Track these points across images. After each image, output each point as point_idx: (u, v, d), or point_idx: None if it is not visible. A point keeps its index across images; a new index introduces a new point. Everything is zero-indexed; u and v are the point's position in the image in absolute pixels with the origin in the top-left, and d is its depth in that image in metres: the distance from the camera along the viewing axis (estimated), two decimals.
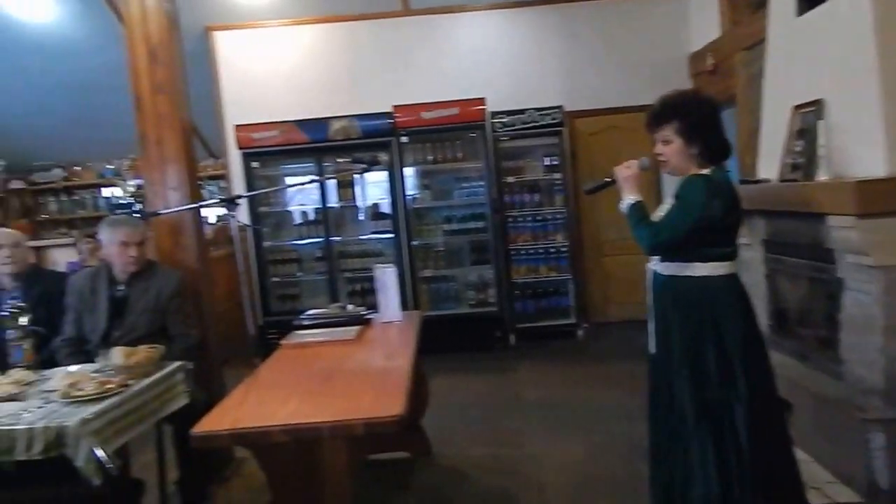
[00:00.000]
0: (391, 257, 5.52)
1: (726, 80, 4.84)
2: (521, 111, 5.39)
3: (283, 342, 2.86)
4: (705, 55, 5.21)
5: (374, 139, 5.37)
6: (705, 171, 2.07)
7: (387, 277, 3.23)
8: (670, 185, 2.34)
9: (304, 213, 5.80)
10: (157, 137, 3.15)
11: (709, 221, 2.00)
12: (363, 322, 3.15)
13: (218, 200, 2.59)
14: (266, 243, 5.66)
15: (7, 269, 3.07)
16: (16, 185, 7.21)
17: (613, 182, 2.21)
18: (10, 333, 2.59)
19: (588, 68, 5.75)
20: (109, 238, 2.87)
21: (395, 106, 5.35)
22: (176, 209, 2.92)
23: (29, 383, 2.38)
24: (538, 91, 5.63)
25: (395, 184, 5.45)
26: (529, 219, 5.55)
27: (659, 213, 2.15)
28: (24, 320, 2.63)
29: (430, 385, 3.48)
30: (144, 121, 3.16)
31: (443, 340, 3.96)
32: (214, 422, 1.92)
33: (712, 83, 5.05)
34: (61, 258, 5.89)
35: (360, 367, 2.54)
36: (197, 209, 2.94)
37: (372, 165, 2.68)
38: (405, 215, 5.45)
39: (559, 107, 5.39)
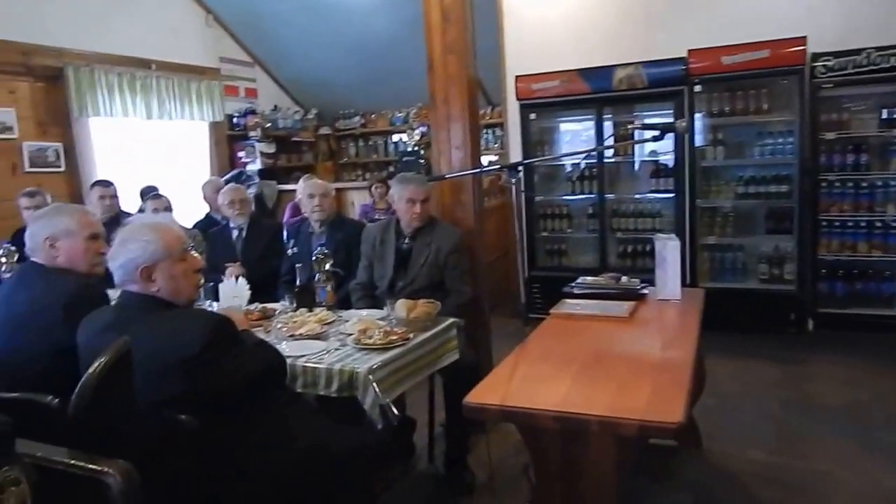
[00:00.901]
0: (669, 219, 5.09)
1: None
2: (856, 51, 4.38)
3: (552, 311, 2.77)
4: None
5: (662, 88, 4.91)
6: None
7: (668, 251, 2.93)
8: None
9: (577, 167, 5.61)
10: (445, 97, 3.22)
11: None
12: (637, 297, 2.91)
13: (499, 167, 2.54)
14: (537, 197, 5.62)
15: (317, 215, 3.47)
16: (324, 131, 8.24)
17: None
18: (317, 276, 2.91)
19: None
20: (399, 194, 3.05)
21: (691, 50, 4.77)
22: (460, 173, 2.97)
23: (329, 322, 2.67)
24: (881, 25, 4.48)
25: (682, 138, 4.92)
26: (851, 185, 4.58)
27: None
28: (328, 265, 2.94)
29: (704, 367, 3.13)
30: (434, 81, 3.24)
31: (722, 317, 3.54)
32: (486, 394, 1.91)
33: None
34: (357, 199, 6.63)
35: (634, 353, 2.34)
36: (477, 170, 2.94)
37: (665, 133, 2.36)
38: (690, 173, 4.93)
39: None
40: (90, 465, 1.26)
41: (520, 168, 2.31)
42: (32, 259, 2.15)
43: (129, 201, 5.04)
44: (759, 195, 4.82)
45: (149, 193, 5.30)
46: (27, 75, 5.25)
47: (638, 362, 2.23)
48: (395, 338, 2.37)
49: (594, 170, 5.39)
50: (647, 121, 5.46)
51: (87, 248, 2.18)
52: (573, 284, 3.13)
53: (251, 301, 3.12)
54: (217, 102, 6.82)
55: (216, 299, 3.19)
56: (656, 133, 2.36)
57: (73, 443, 1.33)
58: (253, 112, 7.32)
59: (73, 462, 1.27)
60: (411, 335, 2.44)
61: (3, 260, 3.60)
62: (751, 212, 4.94)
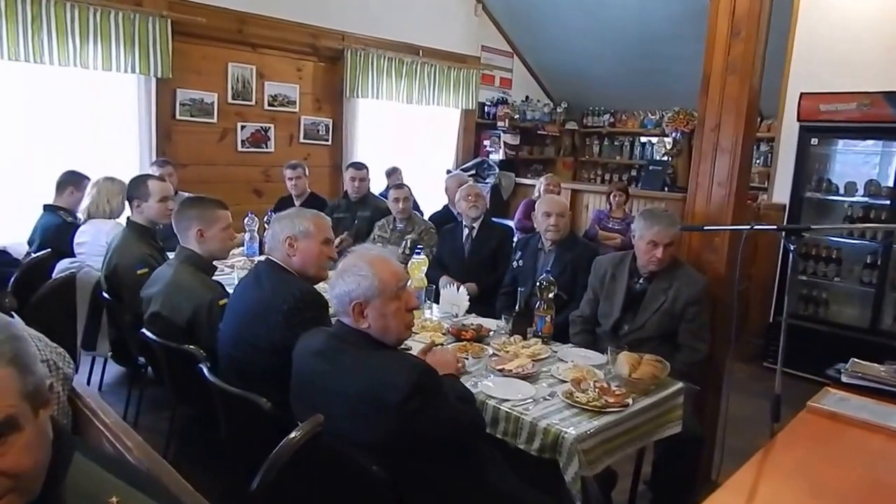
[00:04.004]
0: None
1: None
2: None
3: (809, 403, 2.29)
4: None
5: None
6: None
7: None
8: None
9: (864, 207, 4.70)
10: (716, 123, 2.80)
11: None
12: None
13: (775, 227, 2.12)
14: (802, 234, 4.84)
15: (550, 234, 3.30)
16: (570, 126, 8.00)
17: None
18: (539, 303, 2.75)
19: None
20: (640, 232, 2.73)
21: None
22: (721, 227, 2.57)
23: (542, 359, 2.49)
24: None
25: None
26: None
27: None
28: (551, 293, 2.76)
29: None
30: (706, 103, 2.84)
31: None
32: None
33: None
34: (592, 203, 6.32)
35: None
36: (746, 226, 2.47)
37: None
38: None
39: None
40: None
41: (804, 234, 1.89)
42: (268, 257, 2.30)
43: (375, 180, 5.28)
44: None
45: (393, 174, 5.59)
46: (313, 55, 5.78)
47: None
48: (611, 400, 2.12)
49: (883, 213, 4.49)
50: None
51: (320, 252, 2.29)
52: (841, 368, 2.56)
53: (469, 311, 3.09)
54: (472, 90, 6.93)
55: (436, 301, 3.21)
56: None
57: None
58: (504, 102, 7.34)
59: None
60: (630, 399, 2.17)
61: (267, 227, 4.01)
62: None
